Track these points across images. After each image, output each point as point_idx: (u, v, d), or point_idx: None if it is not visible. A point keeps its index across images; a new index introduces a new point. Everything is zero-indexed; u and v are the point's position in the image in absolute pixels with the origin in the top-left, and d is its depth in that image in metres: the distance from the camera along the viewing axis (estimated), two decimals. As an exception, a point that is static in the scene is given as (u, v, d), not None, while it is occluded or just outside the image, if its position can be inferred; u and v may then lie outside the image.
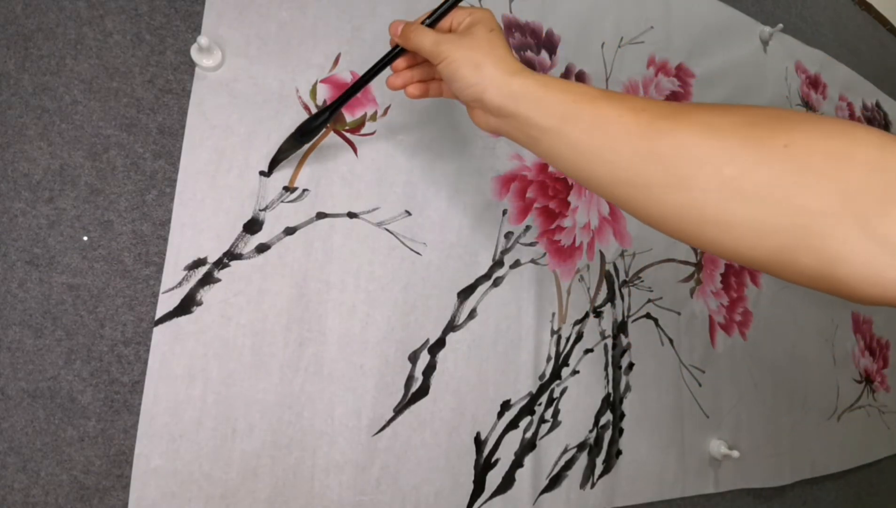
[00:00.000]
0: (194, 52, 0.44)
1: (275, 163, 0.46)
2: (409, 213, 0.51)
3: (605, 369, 0.60)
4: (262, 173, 0.46)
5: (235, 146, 0.45)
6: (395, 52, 0.40)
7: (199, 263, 0.43)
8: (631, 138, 0.28)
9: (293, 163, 0.47)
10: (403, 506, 0.48)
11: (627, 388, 0.61)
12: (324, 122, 0.42)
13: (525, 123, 0.32)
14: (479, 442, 0.52)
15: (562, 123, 0.30)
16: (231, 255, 0.44)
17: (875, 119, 1.02)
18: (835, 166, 0.22)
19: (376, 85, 0.51)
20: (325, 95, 0.49)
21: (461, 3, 0.38)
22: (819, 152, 0.22)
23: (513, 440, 0.53)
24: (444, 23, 0.38)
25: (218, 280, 0.43)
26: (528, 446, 0.54)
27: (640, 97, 0.30)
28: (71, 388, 0.39)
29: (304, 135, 0.43)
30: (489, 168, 0.56)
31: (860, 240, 0.21)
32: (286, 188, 0.46)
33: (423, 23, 0.38)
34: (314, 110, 0.48)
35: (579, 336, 0.59)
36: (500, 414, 0.53)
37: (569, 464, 0.56)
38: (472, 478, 0.51)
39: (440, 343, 0.51)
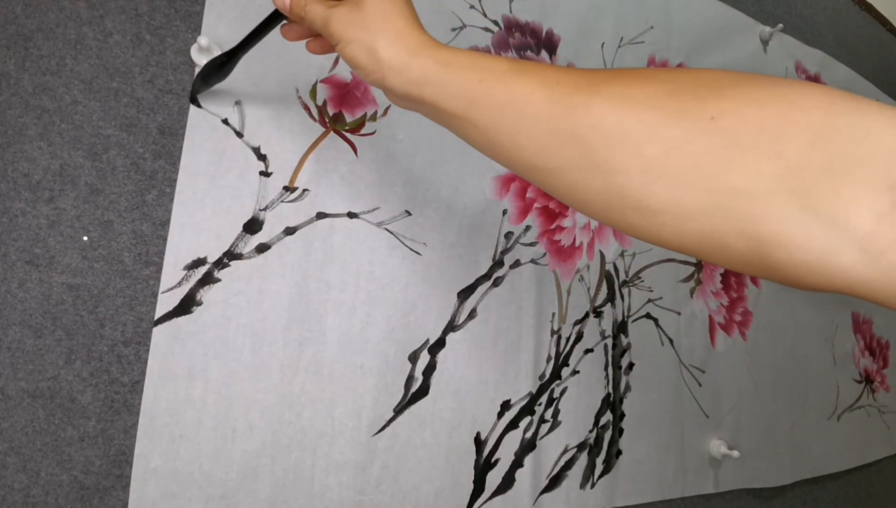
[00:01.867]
0: (194, 53, 0.44)
1: (194, 92, 0.44)
2: (409, 213, 0.51)
3: (605, 369, 0.60)
4: (262, 173, 0.46)
5: (235, 146, 0.45)
6: (274, 17, 0.35)
7: (198, 263, 0.43)
8: (543, 119, 0.25)
9: (294, 163, 0.47)
10: (403, 506, 0.48)
11: (627, 388, 0.61)
12: (222, 65, 0.40)
13: (432, 110, 0.29)
14: (479, 442, 0.52)
15: (468, 108, 0.27)
16: (231, 255, 0.44)
17: (875, 119, 1.02)
18: (770, 138, 0.19)
19: (376, 85, 0.51)
20: (325, 94, 0.49)
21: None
22: (752, 122, 0.20)
23: (513, 440, 0.53)
24: None
25: (218, 280, 0.43)
26: (528, 446, 0.54)
27: (555, 67, 0.27)
28: (71, 388, 0.39)
29: (205, 78, 0.42)
30: (489, 168, 0.56)
31: (800, 221, 0.18)
32: (286, 188, 0.46)
33: None
34: (314, 110, 0.48)
35: (579, 336, 0.59)
36: (500, 414, 0.53)
37: (569, 464, 0.56)
38: (472, 478, 0.51)
39: (440, 343, 0.51)
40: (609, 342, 0.61)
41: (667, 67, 0.25)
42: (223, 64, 0.41)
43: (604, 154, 0.23)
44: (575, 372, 0.58)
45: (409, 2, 0.32)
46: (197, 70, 0.45)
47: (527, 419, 0.54)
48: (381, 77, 0.30)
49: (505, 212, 0.56)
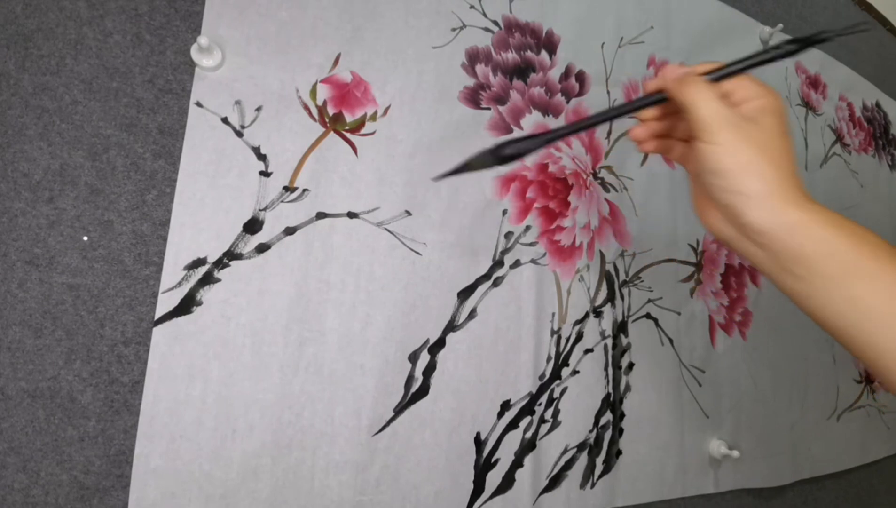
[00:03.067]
0: (194, 52, 0.44)
1: (449, 174, 0.35)
2: (409, 213, 0.51)
3: (605, 369, 0.60)
4: (262, 173, 0.46)
5: (235, 146, 0.45)
6: (656, 99, 0.32)
7: (198, 263, 0.43)
8: None
9: (294, 163, 0.47)
10: (403, 506, 0.48)
11: (627, 388, 0.61)
12: (528, 149, 0.33)
13: (793, 260, 0.27)
14: (479, 442, 0.52)
15: (845, 274, 0.26)
16: (231, 255, 0.44)
17: (875, 119, 1.02)
18: None
19: (376, 85, 0.51)
20: (325, 94, 0.49)
21: (752, 70, 0.31)
22: None
23: (513, 440, 0.53)
24: (727, 85, 0.31)
25: (218, 280, 0.43)
26: (528, 446, 0.54)
27: None
28: (71, 388, 0.39)
29: (502, 159, 0.34)
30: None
31: None
32: (286, 188, 0.46)
33: (703, 74, 0.31)
34: (314, 110, 0.48)
35: (579, 336, 0.59)
36: (500, 414, 0.53)
37: (569, 464, 0.56)
38: (472, 478, 0.51)
39: (440, 343, 0.51)
40: (609, 342, 0.61)
41: None
42: (520, 152, 0.33)
43: None
44: (575, 372, 0.58)
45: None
46: (202, 74, 0.45)
47: (527, 419, 0.54)
48: (749, 204, 0.28)
49: (505, 212, 0.56)
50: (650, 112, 0.34)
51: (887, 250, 0.27)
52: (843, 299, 0.27)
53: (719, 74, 0.31)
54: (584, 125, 0.34)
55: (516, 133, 0.32)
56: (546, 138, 0.33)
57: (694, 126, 0.29)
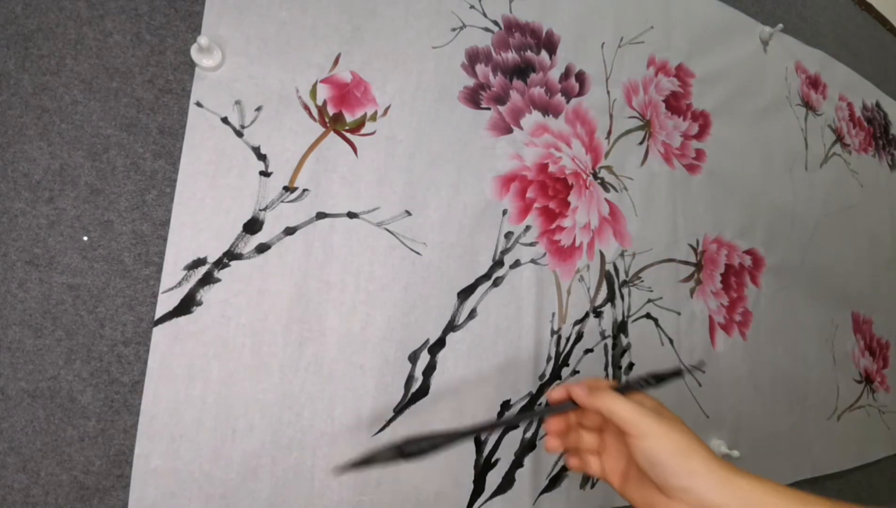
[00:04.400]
0: (194, 52, 0.44)
1: (352, 467, 0.33)
2: (409, 213, 0.51)
3: (605, 369, 0.60)
4: (262, 173, 0.46)
5: (235, 146, 0.45)
6: (567, 406, 0.35)
7: (198, 263, 0.43)
8: None
9: (294, 163, 0.47)
10: (403, 506, 0.47)
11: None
12: (431, 448, 0.33)
13: None
14: (479, 442, 0.52)
15: None
16: (231, 255, 0.44)
17: (875, 119, 1.02)
18: None
19: (376, 85, 0.51)
20: (325, 94, 0.49)
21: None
22: None
23: (513, 440, 0.53)
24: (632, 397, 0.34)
25: (218, 280, 0.43)
26: (528, 446, 0.54)
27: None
28: (71, 388, 0.39)
29: (406, 455, 0.33)
30: (489, 168, 0.56)
31: None
32: (286, 188, 0.46)
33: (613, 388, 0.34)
34: (314, 110, 0.48)
35: (579, 336, 0.59)
36: (500, 414, 0.53)
37: (569, 464, 0.56)
38: (472, 478, 0.51)
39: (440, 343, 0.51)
40: (609, 342, 0.61)
41: None
42: (424, 451, 0.33)
43: None
44: (575, 372, 0.58)
45: None
46: (202, 74, 0.45)
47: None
48: (695, 483, 0.29)
49: (505, 212, 0.56)
50: (557, 425, 0.36)
51: (812, 501, 0.29)
52: None
53: (626, 386, 0.34)
54: (488, 426, 0.35)
55: (421, 431, 0.33)
56: (449, 437, 0.33)
57: (622, 426, 0.32)
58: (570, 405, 0.35)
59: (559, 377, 0.57)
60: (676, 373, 0.36)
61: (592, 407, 0.33)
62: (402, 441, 0.33)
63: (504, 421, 0.36)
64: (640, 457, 0.31)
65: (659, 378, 0.35)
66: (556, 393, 0.35)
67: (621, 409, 0.32)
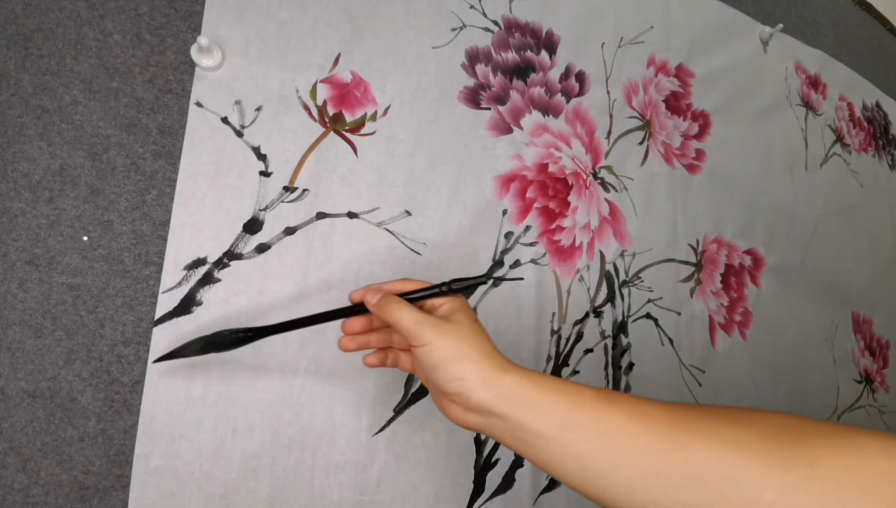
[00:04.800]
0: (194, 52, 0.44)
1: (165, 358, 0.37)
2: (409, 213, 0.51)
3: (605, 369, 0.60)
4: (262, 173, 0.46)
5: (235, 146, 0.45)
6: (355, 309, 0.36)
7: (198, 263, 0.43)
8: (646, 453, 0.25)
9: (294, 163, 0.47)
10: (403, 506, 0.48)
11: (627, 388, 0.61)
12: (237, 342, 0.37)
13: (517, 427, 0.29)
14: (478, 442, 0.52)
15: (561, 431, 0.28)
16: (231, 255, 0.44)
17: (875, 119, 1.02)
18: (858, 479, 0.21)
19: (376, 85, 0.51)
20: (325, 94, 0.49)
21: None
22: (841, 468, 0.22)
23: (513, 441, 0.53)
24: (421, 302, 0.35)
25: (218, 280, 0.43)
26: (528, 446, 0.54)
27: (637, 398, 0.28)
28: (71, 388, 0.39)
29: (211, 347, 0.37)
30: (489, 168, 0.56)
31: None
32: (286, 188, 0.46)
33: (403, 296, 0.35)
34: (314, 110, 0.48)
35: (579, 336, 0.59)
36: (500, 414, 0.53)
37: (569, 464, 0.56)
38: (472, 478, 0.51)
39: (440, 343, 0.51)
40: (609, 342, 0.61)
41: (736, 409, 0.27)
42: (242, 340, 0.37)
43: (725, 496, 0.23)
44: (575, 372, 0.58)
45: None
46: (202, 74, 0.45)
47: (527, 419, 0.54)
48: (469, 385, 0.30)
49: (505, 212, 0.56)
50: (355, 324, 0.37)
51: (590, 394, 0.28)
52: (570, 458, 0.27)
53: (417, 296, 0.35)
54: (291, 324, 0.37)
55: (235, 326, 0.38)
56: (256, 332, 0.37)
57: (405, 335, 0.33)
58: (361, 308, 0.36)
59: (559, 378, 0.57)
60: (480, 279, 0.37)
61: (380, 316, 0.34)
62: (213, 334, 0.37)
63: (307, 318, 0.37)
64: (419, 364, 0.33)
65: (457, 284, 0.36)
66: (356, 295, 0.37)
67: (402, 319, 0.33)
